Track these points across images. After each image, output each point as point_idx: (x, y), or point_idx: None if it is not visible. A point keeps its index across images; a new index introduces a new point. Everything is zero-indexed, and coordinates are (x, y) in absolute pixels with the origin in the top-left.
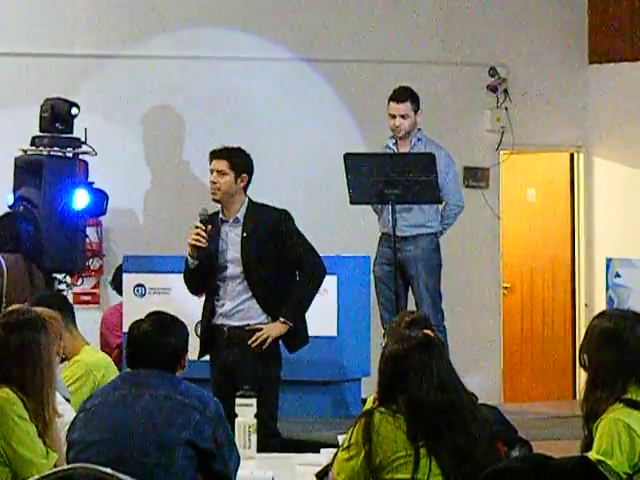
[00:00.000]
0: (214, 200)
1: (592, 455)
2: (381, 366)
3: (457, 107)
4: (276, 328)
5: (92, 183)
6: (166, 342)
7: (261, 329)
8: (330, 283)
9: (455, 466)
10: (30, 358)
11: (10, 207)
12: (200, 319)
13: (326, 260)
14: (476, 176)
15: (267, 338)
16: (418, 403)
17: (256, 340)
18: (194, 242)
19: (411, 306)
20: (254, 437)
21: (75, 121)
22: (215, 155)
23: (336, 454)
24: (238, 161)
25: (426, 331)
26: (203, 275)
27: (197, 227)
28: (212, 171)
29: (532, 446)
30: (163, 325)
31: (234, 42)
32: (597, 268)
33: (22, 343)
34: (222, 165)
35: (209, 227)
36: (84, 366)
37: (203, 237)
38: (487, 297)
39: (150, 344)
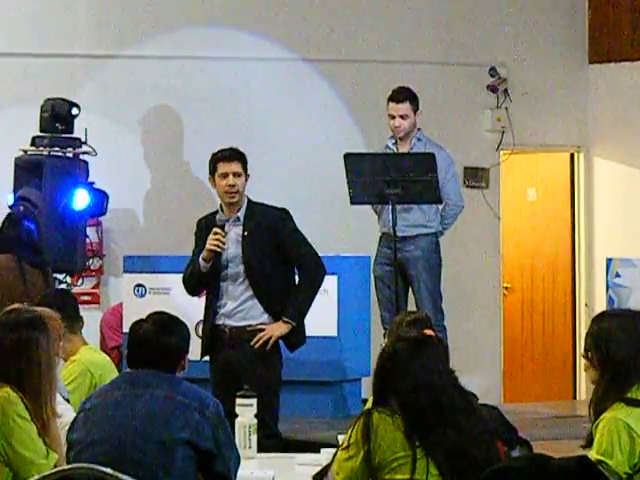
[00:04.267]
0: (231, 203)
1: (592, 455)
2: (376, 366)
3: (457, 107)
4: (279, 328)
5: (92, 183)
6: (167, 342)
7: (263, 329)
8: (330, 283)
9: (449, 464)
10: (29, 358)
11: (10, 207)
12: (200, 319)
13: (326, 260)
14: (476, 176)
15: (270, 338)
16: (406, 403)
17: (259, 341)
18: (213, 247)
19: (411, 306)
20: (254, 437)
21: (75, 121)
22: (227, 158)
23: (335, 454)
24: (246, 161)
25: (427, 331)
26: (208, 277)
27: (217, 232)
28: (226, 174)
29: (532, 446)
30: (164, 325)
31: (234, 42)
32: (597, 268)
33: (21, 342)
34: (238, 167)
35: (225, 232)
36: (81, 365)
37: (222, 242)
38: (487, 297)
39: (151, 344)
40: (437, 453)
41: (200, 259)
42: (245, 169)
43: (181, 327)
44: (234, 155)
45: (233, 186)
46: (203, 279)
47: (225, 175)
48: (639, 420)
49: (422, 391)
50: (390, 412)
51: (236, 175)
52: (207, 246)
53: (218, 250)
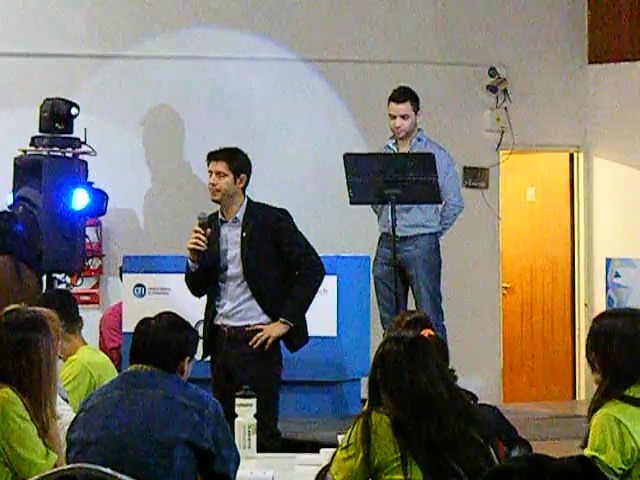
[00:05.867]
0: (214, 201)
1: (586, 451)
2: (373, 367)
3: (457, 107)
4: (277, 328)
5: (92, 183)
6: (167, 338)
7: (261, 329)
8: (330, 283)
9: (431, 463)
10: (29, 358)
11: (10, 207)
12: (199, 319)
13: (326, 260)
14: (476, 176)
15: (268, 339)
16: (394, 403)
17: (257, 341)
18: (193, 246)
19: (411, 306)
20: (254, 437)
21: (75, 121)
22: (213, 156)
23: (335, 454)
24: (236, 162)
25: (426, 330)
26: (205, 277)
27: (196, 231)
28: (211, 172)
29: (531, 446)
30: (170, 323)
31: (234, 42)
32: (597, 268)
33: (20, 343)
34: (221, 166)
35: (208, 230)
36: (80, 365)
37: (202, 240)
38: (487, 297)
39: (152, 338)
40: (418, 452)
41: (188, 260)
42: (234, 169)
43: (187, 330)
44: (221, 155)
45: (213, 185)
46: (198, 279)
47: (210, 174)
48: (632, 417)
49: (409, 391)
50: (387, 413)
51: (219, 175)
52: (187, 245)
53: (199, 249)
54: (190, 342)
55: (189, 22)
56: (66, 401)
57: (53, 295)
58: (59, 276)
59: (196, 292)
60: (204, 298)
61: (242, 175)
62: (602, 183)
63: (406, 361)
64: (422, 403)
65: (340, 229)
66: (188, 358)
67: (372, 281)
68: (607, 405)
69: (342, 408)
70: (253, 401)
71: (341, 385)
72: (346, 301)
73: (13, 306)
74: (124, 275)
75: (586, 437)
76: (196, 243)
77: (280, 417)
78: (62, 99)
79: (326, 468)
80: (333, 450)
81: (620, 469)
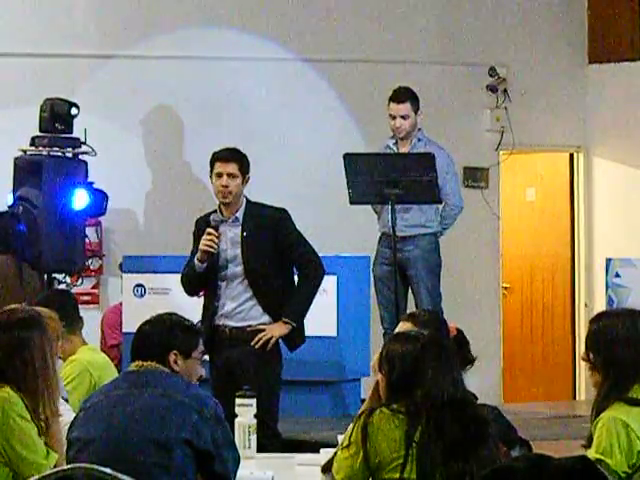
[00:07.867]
0: (224, 204)
1: (591, 454)
2: (394, 366)
3: (457, 107)
4: (279, 328)
5: (92, 183)
6: (151, 331)
7: (263, 330)
8: (330, 283)
9: (445, 466)
10: (23, 358)
11: (9, 207)
12: (199, 319)
13: (325, 260)
14: (476, 176)
15: (270, 338)
16: (434, 398)
17: (259, 341)
18: (207, 248)
19: (410, 306)
20: (254, 437)
21: (75, 121)
22: (224, 158)
23: (336, 452)
24: (245, 163)
25: (451, 325)
26: (205, 277)
27: (210, 233)
28: (220, 174)
29: (532, 446)
30: (157, 319)
31: (233, 42)
32: (597, 268)
33: (16, 342)
34: (232, 168)
35: (219, 232)
36: (80, 365)
37: (215, 243)
38: (487, 297)
39: (139, 332)
40: (433, 453)
41: (195, 260)
42: (243, 171)
43: (178, 327)
44: (231, 156)
45: (226, 187)
46: (199, 280)
47: (219, 175)
48: (638, 420)
49: (439, 394)
50: (392, 412)
51: (230, 176)
52: (200, 247)
53: (211, 251)
54: (177, 337)
55: (189, 22)
56: (66, 401)
57: (53, 295)
58: (59, 276)
59: (193, 292)
60: (202, 298)
61: (247, 176)
62: (602, 183)
63: (431, 362)
64: (445, 405)
65: (340, 229)
66: (175, 352)
67: (372, 281)
68: (613, 407)
69: (342, 408)
70: (253, 401)
71: (341, 385)
72: (346, 301)
73: (10, 306)
74: (124, 275)
75: (589, 437)
76: (210, 245)
77: (280, 417)
78: (62, 99)
79: (331, 460)
80: (332, 450)
81: (624, 472)
